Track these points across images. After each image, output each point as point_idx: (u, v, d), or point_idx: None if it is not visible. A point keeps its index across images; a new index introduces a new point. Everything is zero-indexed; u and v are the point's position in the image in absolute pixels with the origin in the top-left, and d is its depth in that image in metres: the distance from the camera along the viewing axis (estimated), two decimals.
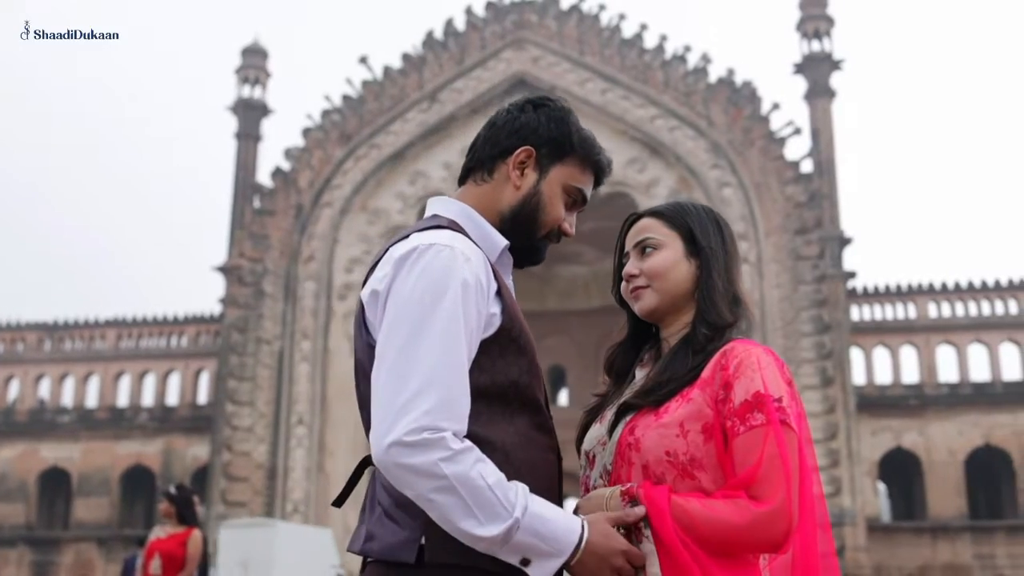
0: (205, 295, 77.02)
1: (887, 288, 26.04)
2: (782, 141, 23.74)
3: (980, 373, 25.36)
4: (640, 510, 1.70)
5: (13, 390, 29.29)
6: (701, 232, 1.92)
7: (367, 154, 25.36)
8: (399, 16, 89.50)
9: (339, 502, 1.92)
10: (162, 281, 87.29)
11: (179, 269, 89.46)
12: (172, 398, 28.26)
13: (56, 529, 28.28)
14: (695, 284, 1.90)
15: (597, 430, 1.90)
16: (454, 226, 1.81)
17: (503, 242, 1.86)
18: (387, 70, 25.93)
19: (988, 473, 25.27)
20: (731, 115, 23.93)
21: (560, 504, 1.75)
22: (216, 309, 26.92)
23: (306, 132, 25.69)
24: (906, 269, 77.48)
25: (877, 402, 24.53)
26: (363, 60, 26.01)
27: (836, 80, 27.88)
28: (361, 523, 1.80)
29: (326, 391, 23.99)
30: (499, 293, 1.77)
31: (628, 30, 25.44)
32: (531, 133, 1.88)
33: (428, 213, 1.90)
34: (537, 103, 1.93)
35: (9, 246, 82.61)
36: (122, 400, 28.43)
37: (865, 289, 25.97)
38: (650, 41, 25.17)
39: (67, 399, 28.75)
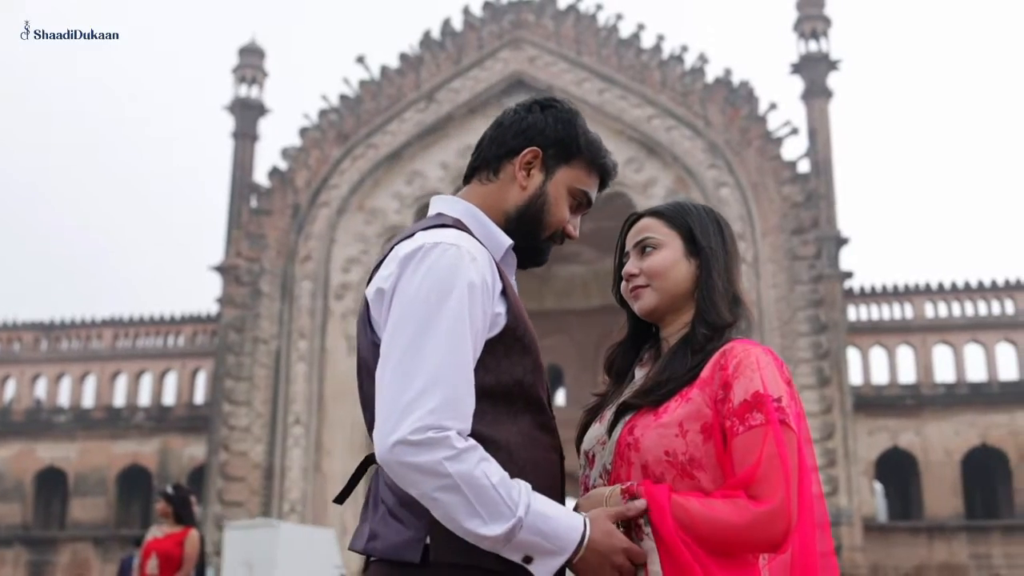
0: (203, 295, 76.95)
1: (884, 288, 26.06)
2: (779, 141, 23.76)
3: (976, 373, 25.41)
4: (641, 503, 1.71)
5: (9, 390, 29.23)
6: (701, 232, 1.93)
7: (364, 154, 25.35)
8: (396, 16, 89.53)
9: (341, 499, 1.92)
10: (161, 281, 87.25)
11: (178, 269, 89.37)
12: (169, 398, 28.23)
13: (52, 529, 28.24)
14: (695, 284, 1.90)
15: (597, 430, 1.91)
16: (459, 225, 1.80)
17: (507, 241, 1.86)
18: (384, 70, 25.92)
19: (984, 473, 25.30)
20: (728, 115, 23.94)
21: (563, 503, 1.75)
22: (213, 309, 26.88)
23: (303, 132, 25.67)
24: (903, 269, 77.70)
25: (874, 402, 24.55)
26: (360, 60, 26.01)
27: (833, 80, 27.94)
28: (363, 521, 1.80)
29: (323, 391, 23.97)
30: (504, 293, 1.77)
31: (625, 30, 25.47)
32: (538, 134, 1.88)
33: (432, 212, 1.90)
34: (544, 104, 1.93)
35: (9, 246, 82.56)
36: (118, 400, 28.39)
37: (862, 289, 26.00)
38: (647, 41, 25.19)
39: (63, 399, 28.72)
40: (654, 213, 1.98)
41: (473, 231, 1.81)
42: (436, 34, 26.11)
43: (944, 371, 25.41)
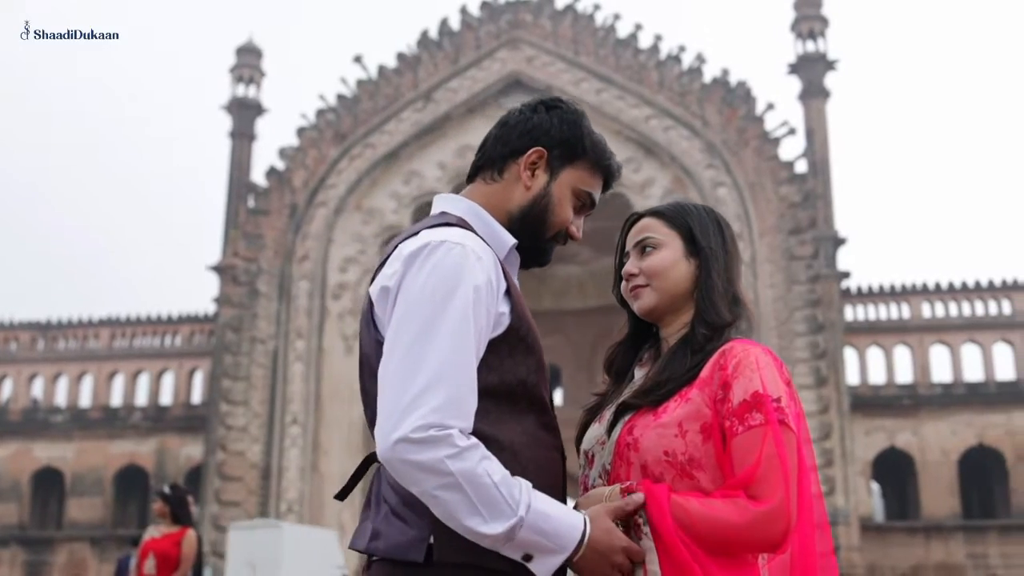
0: (201, 295, 76.89)
1: (881, 288, 26.09)
2: (776, 141, 23.77)
3: (973, 373, 25.42)
4: (639, 497, 1.71)
5: (6, 389, 29.19)
6: (701, 232, 1.93)
7: (361, 153, 25.33)
8: (394, 15, 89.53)
9: (342, 495, 1.92)
10: (160, 281, 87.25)
11: (177, 269, 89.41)
12: (166, 397, 28.20)
13: (49, 529, 28.20)
14: (694, 284, 1.91)
15: (596, 429, 1.91)
16: (463, 223, 1.80)
17: (511, 241, 1.86)
18: (382, 69, 25.90)
19: (981, 473, 25.33)
20: (726, 115, 23.95)
21: (564, 503, 1.75)
22: (210, 308, 26.85)
23: (300, 131, 25.65)
24: (900, 269, 77.75)
25: (871, 402, 24.57)
26: (358, 59, 25.99)
27: (830, 80, 27.96)
28: (364, 520, 1.80)
29: (320, 391, 23.96)
30: (508, 292, 1.77)
31: (623, 30, 25.48)
32: (543, 134, 1.88)
33: (435, 210, 1.90)
34: (550, 105, 1.93)
35: (9, 246, 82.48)
36: (116, 399, 28.35)
37: (859, 289, 26.01)
38: (645, 41, 25.18)
39: (60, 398, 28.67)
40: (654, 213, 1.98)
41: (477, 230, 1.81)
42: (434, 34, 26.10)
43: (941, 371, 25.46)
